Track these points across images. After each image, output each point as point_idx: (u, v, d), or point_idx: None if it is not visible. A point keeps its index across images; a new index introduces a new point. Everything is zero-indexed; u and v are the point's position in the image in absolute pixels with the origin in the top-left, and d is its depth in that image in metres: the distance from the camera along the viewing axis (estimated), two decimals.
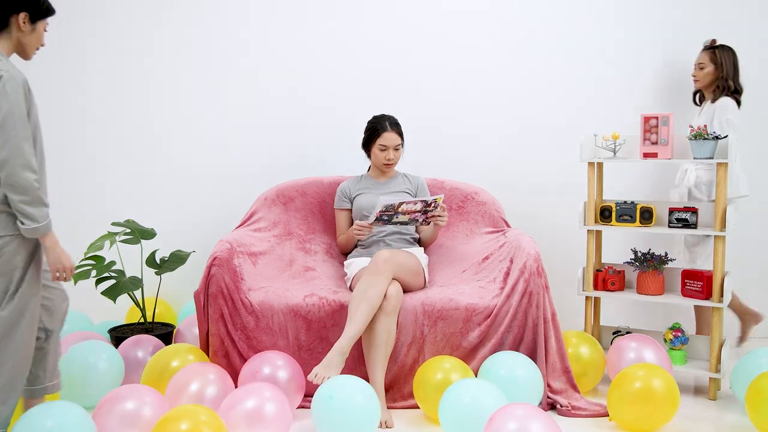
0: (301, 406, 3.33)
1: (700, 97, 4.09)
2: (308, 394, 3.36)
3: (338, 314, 3.38)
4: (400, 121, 3.85)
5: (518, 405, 2.56)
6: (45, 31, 2.77)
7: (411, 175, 3.93)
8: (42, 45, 2.78)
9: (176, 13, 4.40)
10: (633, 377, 3.02)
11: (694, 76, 3.98)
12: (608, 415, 3.19)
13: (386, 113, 3.84)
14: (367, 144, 3.82)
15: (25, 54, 2.75)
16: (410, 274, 3.48)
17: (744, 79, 4.01)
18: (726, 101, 3.84)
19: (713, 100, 3.91)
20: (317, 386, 3.08)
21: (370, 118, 3.86)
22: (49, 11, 2.77)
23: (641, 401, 2.96)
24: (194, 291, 3.41)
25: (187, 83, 4.44)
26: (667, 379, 3.00)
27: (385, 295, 3.25)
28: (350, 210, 3.84)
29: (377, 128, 3.75)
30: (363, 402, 2.87)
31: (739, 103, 3.89)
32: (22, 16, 2.66)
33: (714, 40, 3.95)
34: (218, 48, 4.41)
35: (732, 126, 3.76)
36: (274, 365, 3.21)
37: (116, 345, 3.72)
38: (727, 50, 3.92)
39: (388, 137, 3.73)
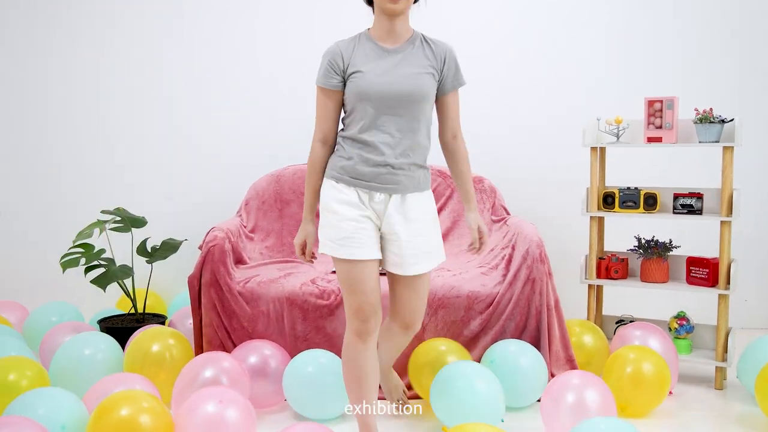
0: None
1: None
2: None
3: (335, 303, 3.30)
4: None
5: (575, 373, 2.77)
6: None
7: (435, 41, 2.58)
8: None
9: (166, 2, 4.36)
10: (625, 360, 3.03)
11: None
12: None
13: None
14: None
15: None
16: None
17: (755, 63, 3.89)
18: None
19: None
20: None
21: None
22: None
23: (633, 384, 2.97)
24: (188, 275, 3.32)
25: (176, 71, 4.39)
26: (659, 361, 3.00)
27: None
28: (342, 91, 2.52)
29: None
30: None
31: None
32: None
33: None
34: (206, 35, 4.36)
35: None
36: (261, 354, 3.12)
37: None
38: None
39: None
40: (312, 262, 2.64)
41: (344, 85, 2.50)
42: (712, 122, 3.31)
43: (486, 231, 2.68)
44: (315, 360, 3.02)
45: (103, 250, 3.73)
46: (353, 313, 2.49)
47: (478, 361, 3.22)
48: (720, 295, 3.38)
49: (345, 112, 2.56)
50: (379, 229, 2.53)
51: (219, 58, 4.36)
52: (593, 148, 3.57)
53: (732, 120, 3.31)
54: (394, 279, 2.62)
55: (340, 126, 2.58)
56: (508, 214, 3.87)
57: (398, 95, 2.44)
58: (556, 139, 4.28)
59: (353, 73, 2.47)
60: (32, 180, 4.46)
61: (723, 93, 4.12)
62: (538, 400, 3.06)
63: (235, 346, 3.31)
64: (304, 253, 2.62)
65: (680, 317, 3.51)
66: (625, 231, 3.88)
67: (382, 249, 2.56)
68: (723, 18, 4.20)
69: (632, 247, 3.60)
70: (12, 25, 4.39)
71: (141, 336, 3.23)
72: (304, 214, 2.61)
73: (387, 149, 2.46)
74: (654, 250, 3.51)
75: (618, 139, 3.54)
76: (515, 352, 3.10)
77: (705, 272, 3.42)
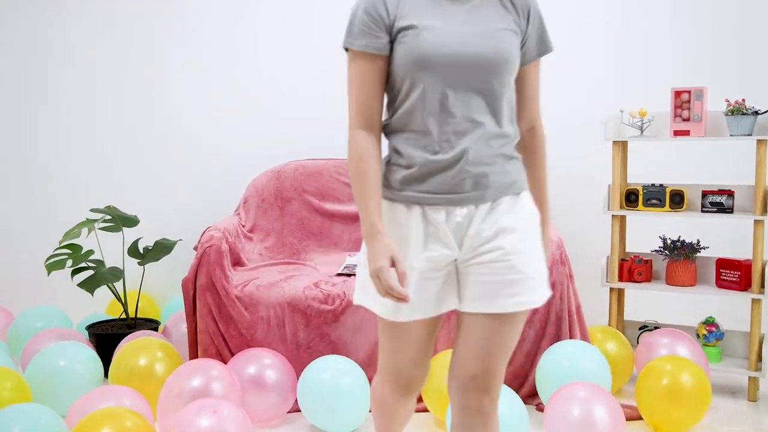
0: (294, 410, 3.07)
1: None
2: None
3: (340, 309, 3.14)
4: None
5: (580, 384, 2.56)
6: None
7: None
8: None
9: (166, 2, 4.33)
10: (660, 372, 2.79)
11: None
12: (640, 418, 2.90)
13: None
14: None
15: None
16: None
17: (755, 63, 3.74)
18: None
19: None
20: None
21: None
22: None
23: (669, 399, 2.74)
24: (183, 278, 3.19)
25: (176, 71, 4.35)
26: (698, 373, 2.78)
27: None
28: (386, 57, 1.75)
29: None
30: None
31: None
32: None
33: None
34: (206, 35, 4.32)
35: None
36: (260, 364, 2.93)
37: (95, 343, 3.41)
38: None
39: None
40: (406, 298, 1.64)
41: (391, 48, 1.74)
42: (745, 114, 3.13)
43: (548, 256, 2.04)
44: (332, 366, 2.85)
45: (91, 251, 3.59)
46: (387, 373, 1.92)
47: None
48: (753, 300, 3.18)
49: (389, 92, 1.80)
50: (455, 260, 1.78)
51: (219, 58, 4.32)
52: (615, 142, 3.38)
53: (767, 111, 3.12)
54: (467, 320, 1.79)
55: (384, 115, 1.82)
56: None
57: (474, 62, 1.70)
58: (555, 139, 4.13)
59: (404, 29, 1.71)
60: (32, 180, 4.40)
61: (723, 93, 3.95)
62: None
63: (232, 354, 3.16)
64: (390, 283, 1.64)
65: (709, 323, 3.31)
66: (649, 231, 3.71)
67: (459, 282, 1.81)
68: (723, 18, 4.06)
69: (657, 248, 3.43)
70: (12, 25, 4.37)
71: (126, 348, 3.05)
72: (370, 229, 1.70)
73: (460, 141, 1.71)
74: (681, 251, 3.33)
75: (642, 132, 3.35)
76: (571, 353, 2.90)
77: (736, 275, 3.22)
